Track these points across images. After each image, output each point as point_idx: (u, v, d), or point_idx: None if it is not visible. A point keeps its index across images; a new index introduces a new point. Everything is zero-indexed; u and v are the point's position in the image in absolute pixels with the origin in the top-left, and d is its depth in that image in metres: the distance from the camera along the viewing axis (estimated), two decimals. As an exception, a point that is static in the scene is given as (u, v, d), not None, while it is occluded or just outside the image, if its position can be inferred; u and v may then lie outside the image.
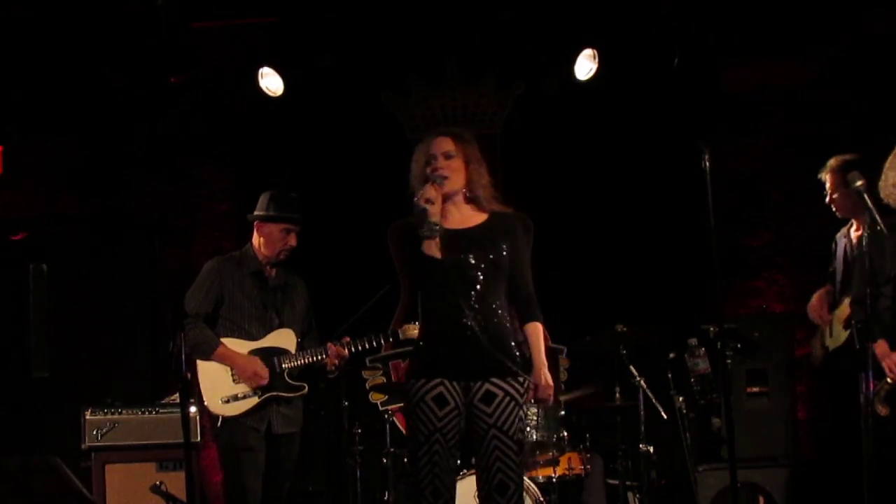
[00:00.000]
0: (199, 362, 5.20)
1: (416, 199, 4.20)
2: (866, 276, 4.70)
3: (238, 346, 5.21)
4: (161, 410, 5.91)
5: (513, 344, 4.23)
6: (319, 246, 6.96)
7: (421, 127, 7.60)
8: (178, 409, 4.50)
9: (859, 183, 4.74)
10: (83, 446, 5.79)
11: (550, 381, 4.29)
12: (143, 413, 5.90)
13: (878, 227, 4.65)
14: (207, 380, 5.18)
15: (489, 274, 4.20)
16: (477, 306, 4.16)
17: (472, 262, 4.19)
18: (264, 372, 5.15)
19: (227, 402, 5.14)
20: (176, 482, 5.67)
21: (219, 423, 5.17)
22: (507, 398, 4.15)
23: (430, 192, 4.18)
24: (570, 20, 7.15)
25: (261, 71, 7.15)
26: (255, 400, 5.15)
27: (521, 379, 4.19)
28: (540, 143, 7.43)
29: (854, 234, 5.57)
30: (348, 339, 5.25)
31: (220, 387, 5.16)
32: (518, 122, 7.55)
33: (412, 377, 4.22)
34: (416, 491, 4.15)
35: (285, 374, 5.21)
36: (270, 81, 7.17)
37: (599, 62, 7.10)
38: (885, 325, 4.99)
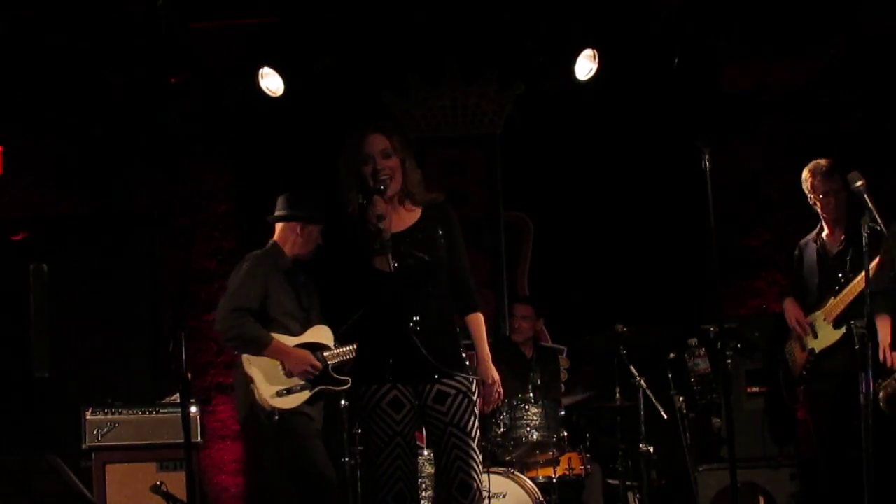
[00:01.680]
0: (246, 358, 5.15)
1: (355, 210, 4.08)
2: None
3: (283, 342, 5.20)
4: (161, 410, 5.92)
5: (458, 348, 4.17)
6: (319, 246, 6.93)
7: (421, 127, 7.61)
8: (179, 409, 4.50)
9: (859, 183, 4.74)
10: (83, 446, 5.81)
11: (496, 377, 4.24)
12: (144, 413, 5.91)
13: (878, 228, 4.66)
14: (259, 374, 5.12)
15: (432, 276, 4.13)
16: (422, 311, 4.08)
17: (416, 267, 4.09)
18: (317, 363, 5.14)
19: (282, 395, 5.10)
20: (176, 482, 5.68)
21: (275, 418, 5.10)
22: (461, 395, 4.08)
23: (381, 206, 4.06)
24: (570, 20, 7.15)
25: (261, 71, 7.15)
26: (307, 394, 5.13)
27: (469, 378, 4.13)
28: (540, 144, 7.44)
29: (826, 237, 5.62)
30: None
31: (272, 380, 5.11)
32: (518, 122, 7.56)
33: (362, 383, 4.14)
34: (377, 496, 4.08)
35: (329, 368, 5.21)
36: (270, 81, 7.17)
37: (599, 62, 7.11)
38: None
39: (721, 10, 7.03)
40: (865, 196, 4.70)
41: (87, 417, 5.83)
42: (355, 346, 5.14)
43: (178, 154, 7.53)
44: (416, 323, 4.05)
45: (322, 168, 7.32)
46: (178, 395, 5.43)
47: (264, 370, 5.13)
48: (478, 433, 4.11)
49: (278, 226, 5.42)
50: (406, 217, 4.20)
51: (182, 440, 4.31)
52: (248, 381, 5.11)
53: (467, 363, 4.17)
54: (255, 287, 5.19)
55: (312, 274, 5.50)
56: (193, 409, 5.75)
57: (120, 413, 5.87)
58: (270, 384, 5.12)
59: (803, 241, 5.83)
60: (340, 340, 5.29)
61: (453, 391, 4.08)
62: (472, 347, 4.28)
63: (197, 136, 7.54)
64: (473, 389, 4.13)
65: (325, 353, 5.24)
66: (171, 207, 7.54)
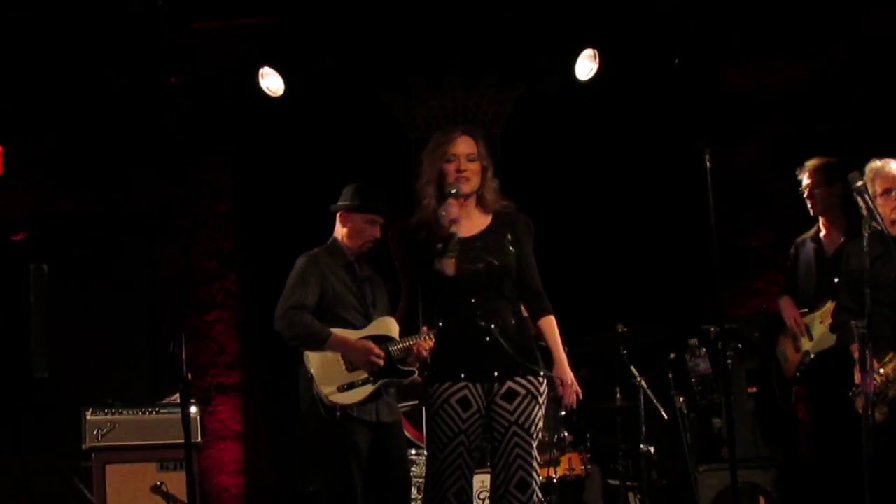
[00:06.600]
0: (306, 354, 5.06)
1: (438, 212, 4.18)
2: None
3: (344, 335, 5.12)
4: (161, 411, 5.93)
5: (535, 350, 4.26)
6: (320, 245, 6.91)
7: (421, 127, 7.60)
8: (179, 410, 4.50)
9: (859, 183, 4.72)
10: (83, 446, 5.81)
11: (573, 377, 4.29)
12: (144, 413, 5.91)
13: (881, 229, 4.65)
14: (320, 369, 5.03)
15: (501, 279, 4.23)
16: (493, 311, 4.18)
17: (485, 271, 4.19)
18: (380, 352, 5.03)
19: (343, 390, 5.00)
20: (176, 482, 5.69)
21: (338, 414, 4.98)
22: (529, 396, 4.16)
23: (454, 210, 4.18)
24: (570, 20, 7.15)
25: (261, 71, 7.15)
26: (370, 388, 5.03)
27: (541, 378, 4.20)
28: (541, 144, 7.43)
29: (823, 237, 5.62)
30: (425, 328, 5.17)
31: (334, 376, 5.03)
32: (518, 122, 7.56)
33: (435, 380, 4.21)
34: (437, 492, 4.13)
35: (395, 360, 5.14)
36: (271, 81, 7.18)
37: (600, 62, 7.11)
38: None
39: (721, 10, 7.03)
40: (866, 196, 4.69)
41: (87, 417, 5.83)
42: (421, 337, 5.11)
43: (178, 154, 7.53)
44: (492, 324, 4.15)
45: (322, 168, 7.40)
46: (178, 395, 5.42)
47: (324, 366, 5.04)
48: (539, 436, 4.18)
49: (337, 219, 5.37)
50: (477, 222, 4.31)
51: (182, 440, 4.32)
52: (311, 377, 5.04)
53: (542, 370, 4.23)
54: (309, 284, 5.12)
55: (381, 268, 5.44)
56: (193, 409, 5.75)
57: (120, 413, 5.87)
58: (331, 380, 5.02)
59: (800, 240, 5.84)
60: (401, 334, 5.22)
61: (523, 391, 4.17)
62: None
63: (197, 136, 7.53)
64: (542, 392, 4.20)
65: (390, 345, 5.12)
66: (171, 208, 7.53)
